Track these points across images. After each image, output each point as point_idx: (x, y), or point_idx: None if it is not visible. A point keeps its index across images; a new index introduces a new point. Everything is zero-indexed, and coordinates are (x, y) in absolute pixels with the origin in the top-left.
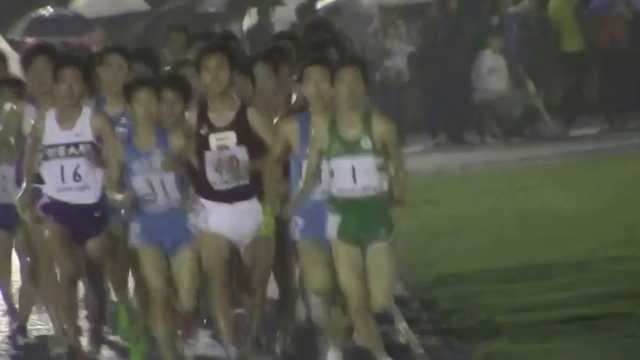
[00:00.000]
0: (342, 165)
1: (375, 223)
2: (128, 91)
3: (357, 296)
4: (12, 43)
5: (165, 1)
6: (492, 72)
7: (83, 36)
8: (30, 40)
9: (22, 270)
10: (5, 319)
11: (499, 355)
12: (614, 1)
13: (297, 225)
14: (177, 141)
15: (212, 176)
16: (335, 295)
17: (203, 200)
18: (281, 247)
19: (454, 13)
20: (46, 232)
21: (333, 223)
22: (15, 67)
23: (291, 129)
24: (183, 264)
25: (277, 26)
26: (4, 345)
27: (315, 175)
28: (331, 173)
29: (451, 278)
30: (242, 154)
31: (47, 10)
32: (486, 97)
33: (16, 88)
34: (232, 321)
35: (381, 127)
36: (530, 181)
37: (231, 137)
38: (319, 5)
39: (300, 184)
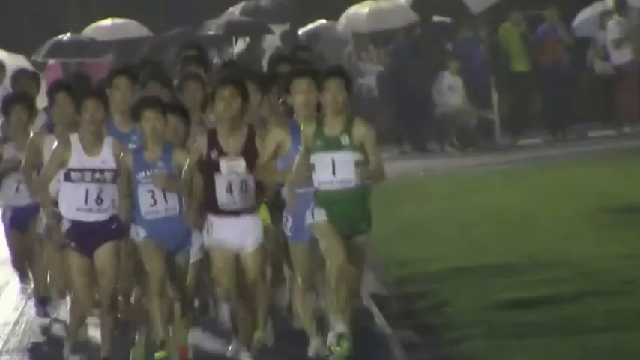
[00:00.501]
0: (323, 159)
1: (356, 219)
2: (136, 111)
3: (338, 262)
4: (35, 64)
5: (167, 29)
6: (451, 90)
7: (96, 58)
8: (51, 62)
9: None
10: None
11: (471, 350)
12: (556, 27)
13: (288, 221)
14: (180, 157)
15: (222, 197)
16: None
17: (210, 216)
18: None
19: (418, 40)
20: (69, 262)
21: (319, 215)
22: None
23: (282, 133)
24: (183, 265)
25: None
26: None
27: (304, 168)
28: (313, 167)
29: (423, 276)
30: (251, 178)
31: (65, 36)
32: (445, 111)
33: (26, 103)
34: (244, 323)
35: (361, 128)
36: (484, 184)
37: (241, 164)
38: (301, 31)
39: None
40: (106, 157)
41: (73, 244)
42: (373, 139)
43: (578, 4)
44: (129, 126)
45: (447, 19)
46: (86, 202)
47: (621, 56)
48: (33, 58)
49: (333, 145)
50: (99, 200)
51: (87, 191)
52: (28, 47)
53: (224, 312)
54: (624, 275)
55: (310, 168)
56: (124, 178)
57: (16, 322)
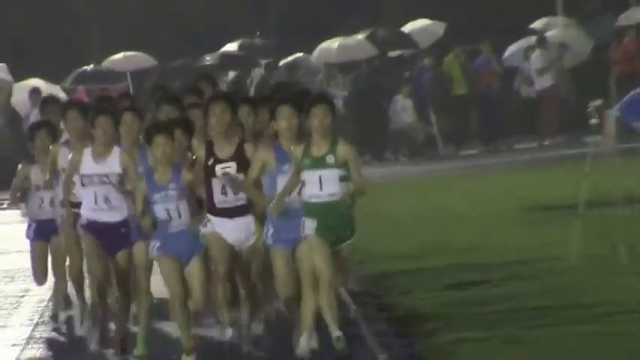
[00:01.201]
0: (311, 176)
1: (341, 227)
2: (148, 136)
3: (326, 274)
4: (64, 90)
5: (171, 59)
6: (403, 110)
7: (114, 84)
8: (79, 88)
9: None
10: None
11: (440, 342)
12: (490, 59)
13: (269, 229)
14: (187, 176)
15: (218, 197)
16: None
17: (210, 216)
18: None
19: (377, 69)
20: (84, 246)
21: (309, 225)
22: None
23: (267, 153)
24: (195, 271)
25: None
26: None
27: (293, 186)
28: (303, 183)
29: (393, 273)
30: (241, 178)
31: (89, 67)
32: (399, 127)
33: (49, 130)
34: (229, 305)
35: (344, 148)
36: (430, 188)
37: (232, 166)
38: (282, 62)
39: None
40: (111, 163)
41: (88, 234)
42: (354, 158)
43: (508, 40)
44: (134, 151)
45: (401, 53)
46: (96, 202)
47: (543, 82)
48: (62, 84)
49: (320, 163)
50: (107, 200)
51: (95, 193)
52: (57, 76)
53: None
54: (543, 260)
55: (301, 183)
56: (140, 200)
57: (50, 299)
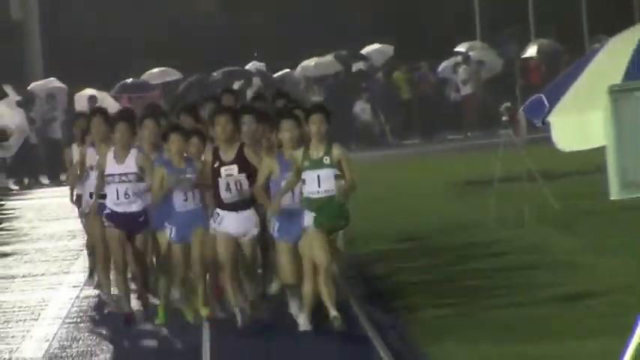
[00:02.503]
0: (311, 175)
1: (337, 218)
2: (165, 136)
3: (324, 264)
4: (113, 97)
5: (191, 73)
6: (362, 111)
7: (148, 92)
8: (124, 95)
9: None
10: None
11: (422, 317)
12: (428, 73)
13: (275, 225)
14: (198, 165)
15: (224, 194)
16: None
17: (218, 209)
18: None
19: (343, 81)
20: (107, 234)
21: (308, 217)
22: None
23: (273, 163)
24: (195, 243)
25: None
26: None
27: (294, 184)
28: (303, 182)
29: (377, 255)
30: (243, 178)
31: (129, 79)
32: (360, 124)
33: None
34: (237, 291)
35: (337, 150)
36: (383, 169)
37: (234, 168)
38: (274, 75)
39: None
40: (129, 164)
41: (111, 224)
42: (347, 158)
43: (441, 58)
44: (153, 154)
45: (361, 68)
46: (117, 197)
47: (466, 90)
48: (110, 93)
49: (318, 164)
50: (126, 195)
51: (117, 190)
52: (109, 85)
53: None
54: (469, 221)
55: (301, 182)
56: (159, 180)
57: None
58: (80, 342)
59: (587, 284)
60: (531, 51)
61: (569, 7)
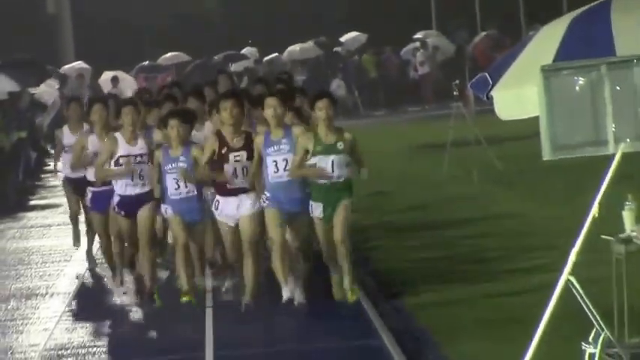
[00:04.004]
0: (324, 160)
1: (341, 193)
2: (164, 119)
3: (326, 246)
4: (133, 77)
5: (199, 56)
6: (339, 87)
7: (162, 73)
8: (141, 75)
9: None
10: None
11: (419, 299)
12: (392, 55)
13: (266, 197)
14: (196, 152)
15: (230, 180)
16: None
17: (218, 196)
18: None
19: (322, 63)
20: (119, 223)
21: (317, 209)
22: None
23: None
24: (198, 234)
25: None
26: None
27: (301, 165)
28: (314, 166)
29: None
30: (249, 165)
31: (146, 62)
32: (336, 97)
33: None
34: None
35: (349, 136)
36: (358, 135)
37: (243, 155)
38: (264, 59)
39: (273, 170)
40: (142, 145)
41: (122, 212)
42: (357, 144)
43: (404, 43)
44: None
45: (338, 51)
46: (132, 179)
47: (423, 70)
48: (130, 74)
49: (332, 149)
50: (141, 177)
51: (132, 171)
52: (126, 68)
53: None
54: (426, 180)
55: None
56: (155, 167)
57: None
58: (106, 279)
59: (524, 229)
60: (478, 38)
61: (510, 0)
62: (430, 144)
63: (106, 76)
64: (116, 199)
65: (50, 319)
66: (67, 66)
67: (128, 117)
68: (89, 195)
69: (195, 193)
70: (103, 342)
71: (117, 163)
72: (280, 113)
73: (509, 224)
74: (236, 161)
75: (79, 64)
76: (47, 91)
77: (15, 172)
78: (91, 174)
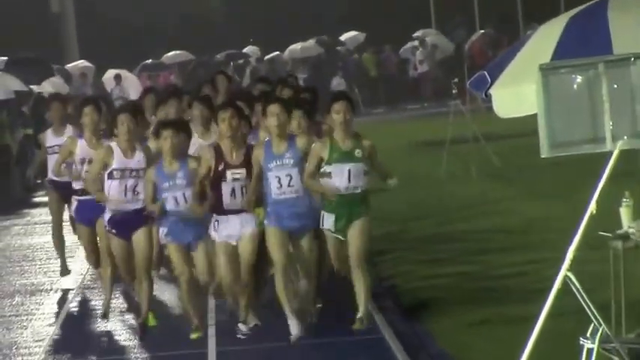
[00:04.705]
0: (339, 168)
1: (358, 208)
2: (157, 131)
3: (337, 263)
4: (136, 76)
5: (200, 55)
6: (339, 85)
7: (165, 71)
8: (144, 74)
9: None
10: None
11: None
12: (391, 54)
13: (266, 215)
14: (192, 164)
15: (227, 200)
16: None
17: (216, 215)
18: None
19: (323, 60)
20: (113, 245)
21: (328, 220)
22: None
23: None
24: (200, 256)
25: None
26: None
27: (314, 175)
28: (329, 176)
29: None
30: (248, 183)
31: (149, 60)
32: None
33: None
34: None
35: (368, 143)
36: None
37: (243, 172)
38: (265, 58)
39: (275, 186)
40: (139, 158)
41: (113, 231)
42: (376, 152)
43: (403, 42)
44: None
45: (338, 50)
46: (125, 194)
47: (422, 68)
48: (133, 72)
49: (349, 157)
50: (135, 192)
51: (126, 185)
52: (130, 64)
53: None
54: (425, 174)
55: (325, 177)
56: (148, 185)
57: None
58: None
59: (521, 225)
60: (476, 37)
61: (508, 0)
62: (429, 141)
63: (109, 74)
64: (107, 215)
65: (54, 315)
66: (70, 64)
67: (124, 126)
68: (74, 204)
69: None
70: (107, 337)
71: (110, 177)
72: (284, 122)
73: (506, 219)
74: (234, 180)
75: (82, 62)
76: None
77: (21, 169)
78: (77, 182)
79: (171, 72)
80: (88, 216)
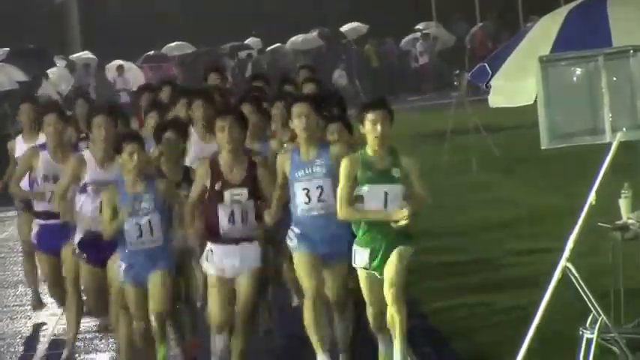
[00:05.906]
0: (374, 190)
1: (397, 237)
2: (117, 145)
3: (373, 308)
4: (139, 67)
5: (202, 47)
6: (340, 77)
7: (166, 63)
8: (145, 65)
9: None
10: None
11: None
12: (393, 46)
13: (294, 235)
14: (162, 187)
15: (224, 225)
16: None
17: (211, 244)
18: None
19: (325, 53)
20: (82, 273)
21: (361, 257)
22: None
23: (285, 160)
24: (157, 287)
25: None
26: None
27: (349, 199)
28: (360, 199)
29: None
30: (251, 205)
31: (151, 52)
32: (338, 86)
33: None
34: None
35: (408, 161)
36: None
37: (244, 193)
38: (267, 49)
39: (301, 202)
40: (117, 170)
41: (84, 256)
42: (419, 172)
43: (403, 34)
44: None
45: (340, 42)
46: (101, 211)
47: (424, 60)
48: (135, 63)
49: (385, 177)
50: None
51: (101, 202)
52: (133, 55)
53: (217, 343)
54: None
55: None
56: (107, 208)
57: None
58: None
59: (521, 215)
60: (475, 28)
61: None
62: (430, 133)
63: (112, 65)
64: (77, 237)
65: (57, 305)
66: (73, 55)
67: (101, 130)
68: (35, 229)
69: (162, 242)
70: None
71: (83, 191)
72: (313, 125)
73: (507, 209)
74: (234, 201)
75: (85, 53)
76: (62, 77)
77: None
78: (39, 203)
79: (173, 63)
80: (51, 243)
